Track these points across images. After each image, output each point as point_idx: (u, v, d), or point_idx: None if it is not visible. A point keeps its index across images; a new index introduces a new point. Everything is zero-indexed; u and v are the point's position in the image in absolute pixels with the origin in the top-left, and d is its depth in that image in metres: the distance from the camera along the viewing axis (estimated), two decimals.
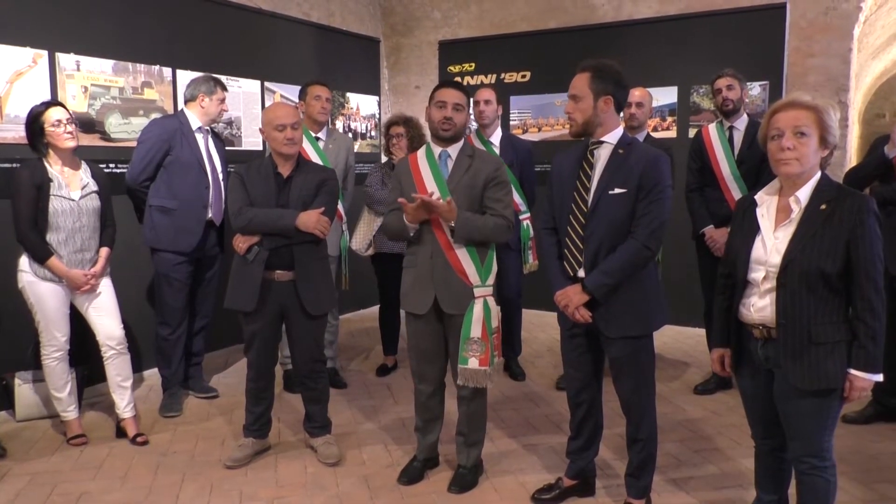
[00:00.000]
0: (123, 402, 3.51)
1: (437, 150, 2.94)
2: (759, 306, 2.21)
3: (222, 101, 4.03)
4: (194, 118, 3.96)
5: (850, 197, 2.11)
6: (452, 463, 3.14)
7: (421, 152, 2.98)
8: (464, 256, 2.83)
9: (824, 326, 2.11)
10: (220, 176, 4.04)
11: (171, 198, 3.88)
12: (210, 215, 3.98)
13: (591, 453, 2.88)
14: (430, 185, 2.87)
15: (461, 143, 2.96)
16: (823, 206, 2.11)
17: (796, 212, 2.15)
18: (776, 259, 2.15)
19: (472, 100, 4.30)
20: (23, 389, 3.72)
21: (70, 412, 3.50)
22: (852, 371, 2.10)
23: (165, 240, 3.89)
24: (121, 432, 3.54)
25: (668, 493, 2.95)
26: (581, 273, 2.58)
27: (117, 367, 3.49)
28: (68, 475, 3.16)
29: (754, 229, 2.24)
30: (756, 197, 2.28)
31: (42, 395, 3.67)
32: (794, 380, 2.15)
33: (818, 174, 2.17)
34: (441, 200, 2.76)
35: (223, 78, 5.04)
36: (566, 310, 2.60)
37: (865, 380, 2.10)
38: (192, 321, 4.16)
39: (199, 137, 3.98)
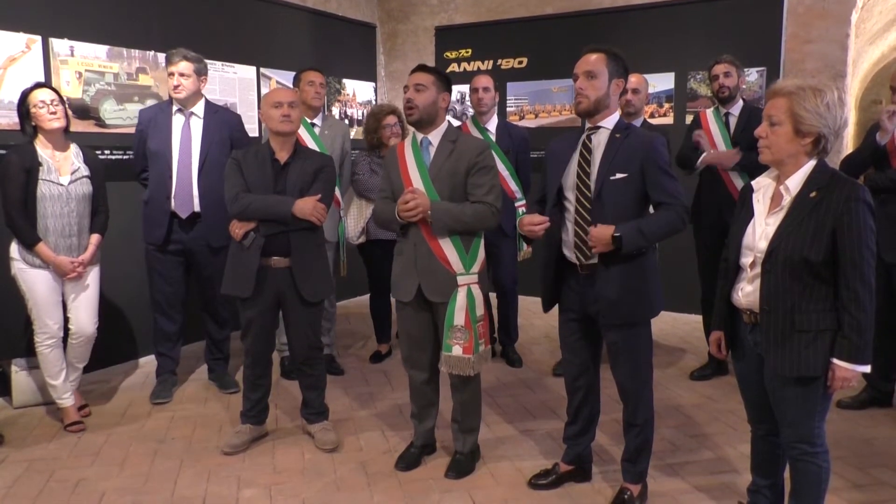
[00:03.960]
0: (72, 376, 3.55)
1: (419, 137, 2.92)
2: (747, 291, 2.22)
3: (171, 75, 3.73)
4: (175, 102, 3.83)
5: (840, 185, 2.07)
6: (449, 449, 3.15)
7: (407, 140, 2.96)
8: (446, 244, 2.82)
9: (808, 314, 2.09)
10: (196, 163, 3.79)
11: (148, 189, 3.85)
12: (173, 207, 3.77)
13: (587, 439, 2.90)
14: (413, 173, 2.85)
15: (442, 127, 2.91)
16: (813, 194, 2.09)
17: (786, 199, 2.14)
18: (763, 245, 2.15)
19: (469, 86, 4.32)
20: (19, 376, 3.72)
21: (66, 399, 3.50)
22: (835, 360, 2.08)
23: (144, 232, 3.88)
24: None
25: (663, 478, 2.97)
26: (595, 261, 2.56)
27: (77, 351, 3.53)
28: (66, 462, 3.17)
29: (750, 215, 2.24)
30: (753, 182, 2.28)
31: (39, 382, 3.67)
32: (775, 366, 2.15)
33: (811, 162, 2.13)
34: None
35: (218, 64, 5.03)
36: (591, 240, 2.49)
37: (849, 370, 2.07)
38: (211, 320, 4.08)
39: (177, 122, 3.81)
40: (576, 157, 2.61)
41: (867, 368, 2.10)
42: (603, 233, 2.47)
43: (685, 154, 4.12)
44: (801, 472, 2.24)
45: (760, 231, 2.18)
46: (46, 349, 3.42)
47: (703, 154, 3.98)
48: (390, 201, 2.89)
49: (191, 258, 3.92)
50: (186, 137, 3.80)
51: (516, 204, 4.31)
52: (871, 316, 2.06)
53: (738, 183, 3.93)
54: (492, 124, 4.31)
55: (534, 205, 2.83)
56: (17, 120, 3.38)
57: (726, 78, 3.97)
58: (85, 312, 3.48)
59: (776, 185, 2.20)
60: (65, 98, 3.47)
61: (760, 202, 2.23)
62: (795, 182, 2.13)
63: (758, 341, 2.23)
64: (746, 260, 2.22)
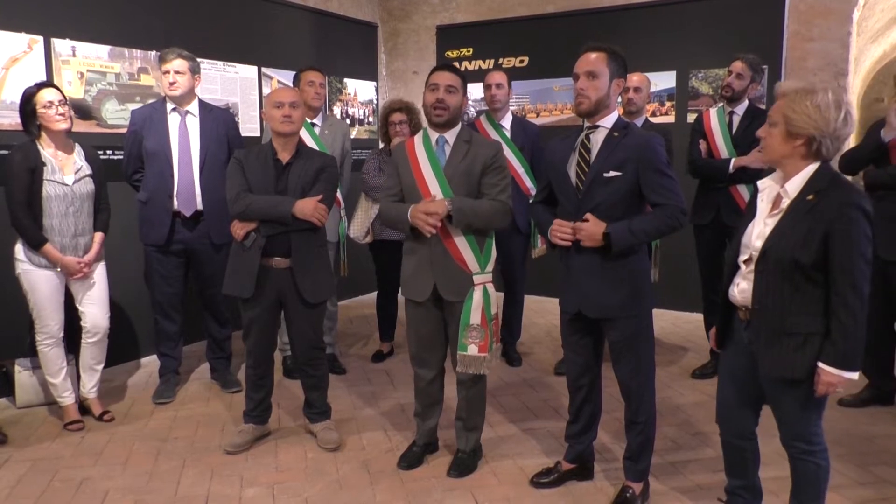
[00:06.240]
0: (91, 383, 3.59)
1: (433, 136, 2.91)
2: (742, 288, 2.23)
3: (166, 73, 3.72)
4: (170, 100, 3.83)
5: (838, 189, 2.04)
6: (452, 448, 3.16)
7: (417, 138, 2.96)
8: (462, 244, 2.83)
9: (798, 317, 2.09)
10: (196, 161, 3.80)
11: (145, 189, 3.83)
12: (176, 206, 3.78)
13: (589, 437, 2.90)
14: (427, 172, 2.85)
15: (458, 128, 2.93)
16: (810, 197, 2.07)
17: (785, 201, 2.14)
18: (759, 244, 2.15)
19: (483, 83, 4.31)
20: (23, 376, 3.73)
21: (66, 397, 3.52)
22: (821, 365, 2.06)
23: (143, 233, 3.87)
24: (84, 410, 3.59)
25: (665, 476, 2.98)
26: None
27: (93, 351, 3.56)
28: (69, 461, 3.17)
29: (754, 213, 2.25)
30: (759, 182, 2.28)
31: (42, 381, 3.68)
32: (762, 366, 2.17)
33: (813, 165, 2.11)
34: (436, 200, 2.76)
35: (220, 63, 5.04)
36: (574, 230, 2.53)
37: (834, 375, 2.04)
38: (212, 319, 4.09)
39: (173, 121, 3.81)
40: (575, 157, 2.61)
41: (854, 376, 2.08)
42: (594, 230, 2.49)
43: (714, 165, 4.00)
44: (800, 470, 2.25)
45: (759, 230, 2.19)
46: (46, 348, 3.44)
47: (733, 159, 3.92)
48: (398, 202, 2.89)
49: (192, 257, 3.92)
50: (184, 136, 3.81)
51: (531, 201, 4.28)
52: (860, 322, 2.03)
53: (739, 184, 3.93)
54: (506, 121, 4.29)
55: (538, 204, 2.83)
56: (18, 120, 3.38)
57: (737, 79, 3.95)
58: (97, 307, 3.52)
59: (780, 186, 2.19)
60: (66, 96, 3.47)
61: (764, 202, 2.23)
62: (794, 185, 2.13)
63: (751, 339, 2.23)
64: (743, 257, 2.24)
